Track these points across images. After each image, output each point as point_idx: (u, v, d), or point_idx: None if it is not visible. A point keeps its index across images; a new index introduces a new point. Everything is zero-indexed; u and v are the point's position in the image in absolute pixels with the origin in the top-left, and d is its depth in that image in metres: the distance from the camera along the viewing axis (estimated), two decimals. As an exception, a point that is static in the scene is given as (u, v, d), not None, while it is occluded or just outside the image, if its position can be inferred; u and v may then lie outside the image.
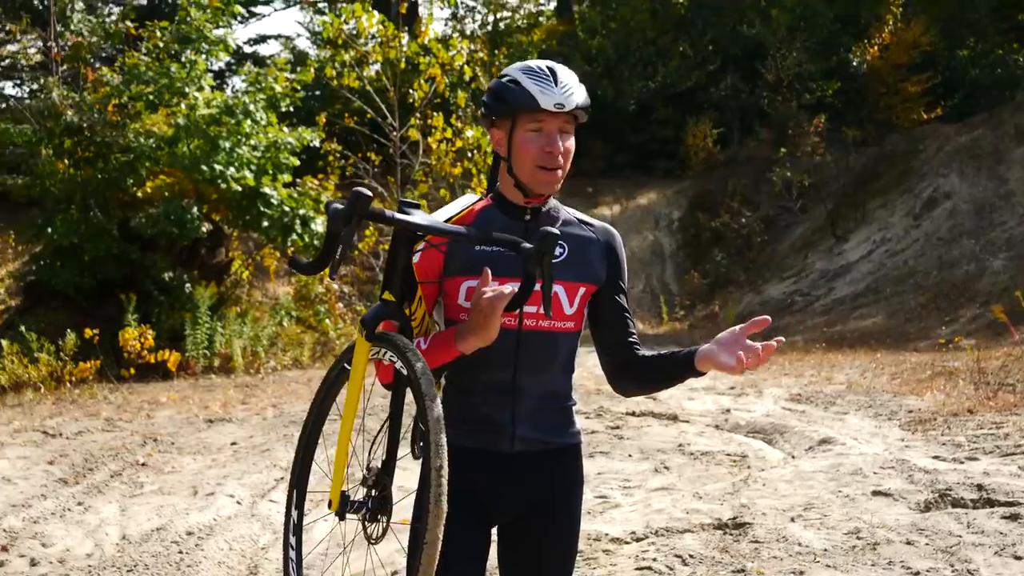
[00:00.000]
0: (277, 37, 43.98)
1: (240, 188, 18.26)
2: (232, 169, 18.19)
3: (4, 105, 30.04)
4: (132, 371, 16.25)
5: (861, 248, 23.59)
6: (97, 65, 21.30)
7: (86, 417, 12.98)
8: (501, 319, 3.15)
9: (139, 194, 18.70)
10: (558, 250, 3.43)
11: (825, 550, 6.36)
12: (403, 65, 20.31)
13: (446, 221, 3.39)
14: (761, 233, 26.53)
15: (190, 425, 12.37)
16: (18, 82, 35.46)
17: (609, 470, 9.28)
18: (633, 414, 11.78)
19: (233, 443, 11.17)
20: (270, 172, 18.81)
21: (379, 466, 3.23)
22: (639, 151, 31.85)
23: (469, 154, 20.37)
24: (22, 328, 16.69)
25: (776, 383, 13.57)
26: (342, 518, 3.26)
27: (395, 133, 20.15)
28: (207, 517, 8.17)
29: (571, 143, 3.41)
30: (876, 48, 30.30)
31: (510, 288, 3.09)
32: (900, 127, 28.92)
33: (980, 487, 7.44)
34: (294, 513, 3.50)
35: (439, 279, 3.44)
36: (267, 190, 18.53)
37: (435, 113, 20.17)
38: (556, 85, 3.32)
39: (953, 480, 7.70)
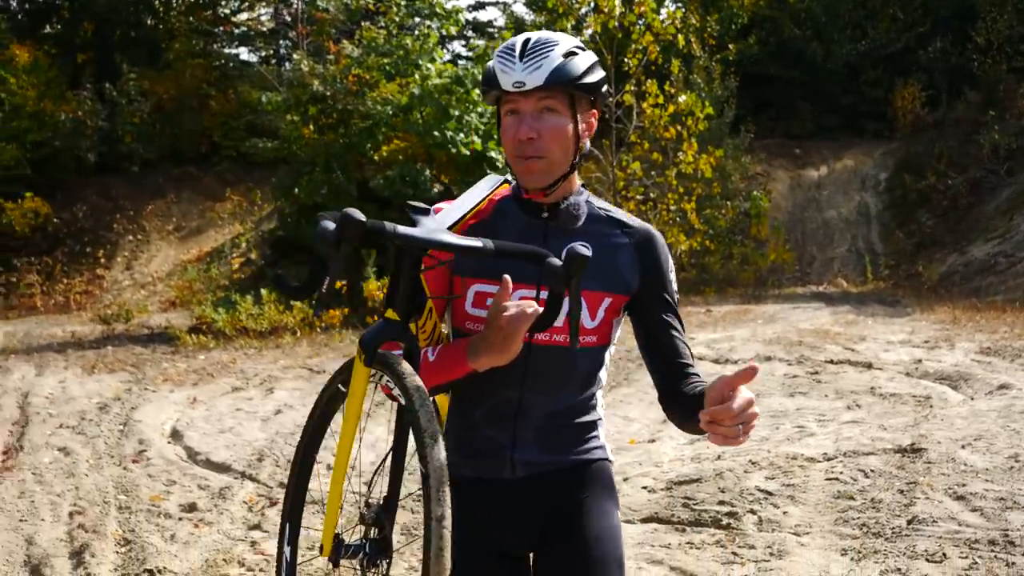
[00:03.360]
0: (496, 3, 45.57)
1: (468, 152, 19.83)
2: (461, 135, 19.77)
3: (236, 70, 32.50)
4: (376, 319, 18.05)
5: (1067, 210, 23.92)
6: (339, 38, 23.14)
7: (342, 357, 14.76)
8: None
9: (376, 157, 20.46)
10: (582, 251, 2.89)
11: (986, 469, 7.57)
12: (619, 35, 21.37)
13: (465, 215, 3.02)
14: (967, 195, 26.77)
15: (435, 364, 14.02)
16: (252, 48, 37.92)
17: (807, 407, 10.54)
18: (831, 362, 12.94)
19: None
20: (495, 137, 20.34)
21: (379, 503, 2.80)
22: (848, 112, 32.12)
23: (682, 119, 21.39)
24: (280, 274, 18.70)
25: (969, 338, 14.48)
26: (336, 565, 2.83)
27: (610, 98, 21.29)
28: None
29: (557, 122, 2.90)
30: (1092, 8, 30.08)
31: (533, 308, 2.70)
32: (1114, 88, 28.54)
33: None
34: (287, 550, 3.06)
35: (449, 284, 3.06)
36: (493, 154, 20.04)
37: (648, 80, 21.20)
38: (519, 60, 2.86)
39: (1112, 419, 8.77)
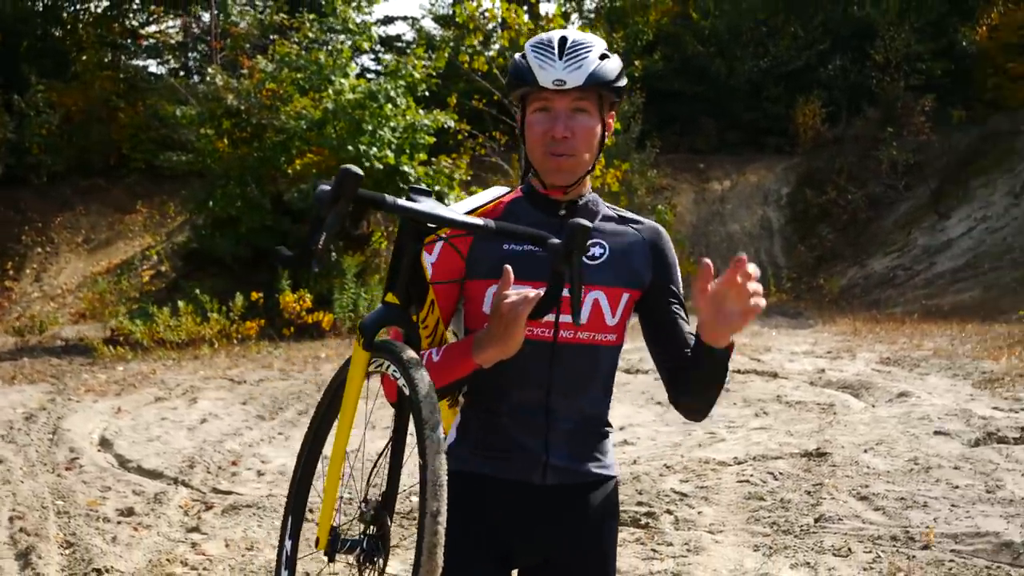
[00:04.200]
0: (404, 18, 45.93)
1: (381, 166, 20.08)
2: (374, 149, 19.99)
3: (145, 83, 32.36)
4: (292, 330, 18.28)
5: (962, 225, 24.70)
6: (253, 52, 23.26)
7: (261, 368, 14.99)
8: (526, 328, 2.67)
9: (289, 171, 20.65)
10: (598, 250, 3.03)
11: (888, 472, 8.08)
12: (525, 49, 21.67)
13: (469, 213, 2.94)
14: (866, 209, 27.57)
15: (354, 375, 14.30)
16: (160, 61, 37.72)
17: (717, 415, 10.97)
18: (739, 372, 13.43)
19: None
20: (407, 152, 20.56)
21: (378, 498, 2.71)
22: (750, 128, 32.75)
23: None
24: (197, 291, 18.78)
25: (869, 348, 15.11)
26: (331, 559, 2.76)
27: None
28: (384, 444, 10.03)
29: (588, 122, 2.94)
30: (985, 29, 31.04)
31: (535, 292, 2.63)
32: (1007, 107, 29.32)
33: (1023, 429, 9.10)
34: (287, 544, 2.98)
35: (458, 280, 2.99)
36: (405, 168, 20.28)
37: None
38: (559, 59, 2.87)
39: (1003, 424, 9.35)
